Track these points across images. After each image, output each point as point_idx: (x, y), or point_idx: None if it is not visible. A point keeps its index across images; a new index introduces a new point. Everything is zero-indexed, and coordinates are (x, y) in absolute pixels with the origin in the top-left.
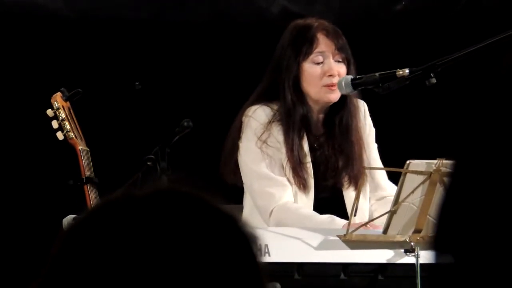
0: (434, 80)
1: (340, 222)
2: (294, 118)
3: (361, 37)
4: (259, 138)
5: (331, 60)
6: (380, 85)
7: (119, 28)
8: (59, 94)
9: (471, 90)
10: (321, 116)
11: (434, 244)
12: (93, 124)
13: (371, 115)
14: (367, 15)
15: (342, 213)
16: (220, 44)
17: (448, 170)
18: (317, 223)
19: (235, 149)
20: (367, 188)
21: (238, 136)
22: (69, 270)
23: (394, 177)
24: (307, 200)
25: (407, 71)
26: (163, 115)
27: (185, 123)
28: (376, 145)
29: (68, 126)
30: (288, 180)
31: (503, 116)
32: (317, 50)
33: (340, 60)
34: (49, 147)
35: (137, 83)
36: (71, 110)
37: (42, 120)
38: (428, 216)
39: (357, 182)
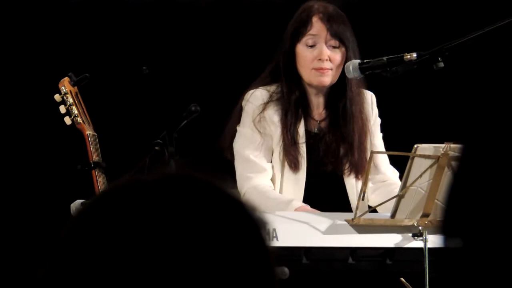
0: (441, 64)
1: (295, 204)
2: (289, 99)
3: (369, 20)
4: (253, 121)
5: (323, 44)
6: (388, 69)
7: (127, 12)
8: (66, 79)
9: (480, 73)
10: (321, 100)
11: (443, 228)
12: (100, 109)
13: (378, 100)
14: None
15: (342, 199)
16: (228, 28)
17: (456, 154)
18: (279, 204)
19: (233, 132)
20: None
21: (237, 121)
22: (77, 255)
23: (402, 161)
24: (296, 180)
25: (414, 55)
26: (171, 100)
27: (193, 108)
28: (381, 135)
29: (75, 111)
30: (279, 160)
31: None
32: (309, 33)
33: (336, 46)
34: (57, 132)
35: (144, 67)
36: (79, 95)
37: (50, 105)
38: (436, 200)
39: (358, 169)
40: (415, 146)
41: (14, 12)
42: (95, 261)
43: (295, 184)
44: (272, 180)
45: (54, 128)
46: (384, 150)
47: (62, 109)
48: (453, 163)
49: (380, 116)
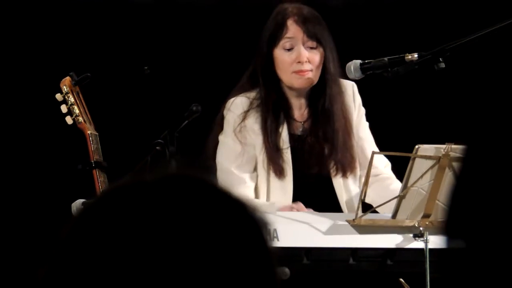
0: (443, 65)
1: (278, 205)
2: (269, 104)
3: (370, 20)
4: (233, 131)
5: (301, 46)
6: (389, 69)
7: (128, 12)
8: (68, 78)
9: (481, 74)
10: (302, 101)
11: (445, 229)
12: (102, 108)
13: (379, 100)
14: None
15: (331, 200)
16: (229, 28)
17: (457, 154)
18: (261, 207)
19: (216, 141)
20: (357, 172)
21: (220, 129)
22: (78, 255)
23: (403, 162)
24: (282, 187)
25: (416, 55)
26: (172, 100)
27: (194, 108)
28: (367, 124)
29: (77, 111)
30: (263, 168)
31: None
32: (286, 36)
33: (314, 47)
34: (58, 131)
35: (146, 67)
36: (80, 95)
37: (51, 104)
38: (437, 201)
39: (344, 168)
40: (416, 146)
41: (15, 11)
42: (96, 261)
43: (281, 190)
44: (258, 188)
45: (55, 127)
46: (371, 138)
47: (64, 108)
48: (454, 164)
49: (381, 116)
